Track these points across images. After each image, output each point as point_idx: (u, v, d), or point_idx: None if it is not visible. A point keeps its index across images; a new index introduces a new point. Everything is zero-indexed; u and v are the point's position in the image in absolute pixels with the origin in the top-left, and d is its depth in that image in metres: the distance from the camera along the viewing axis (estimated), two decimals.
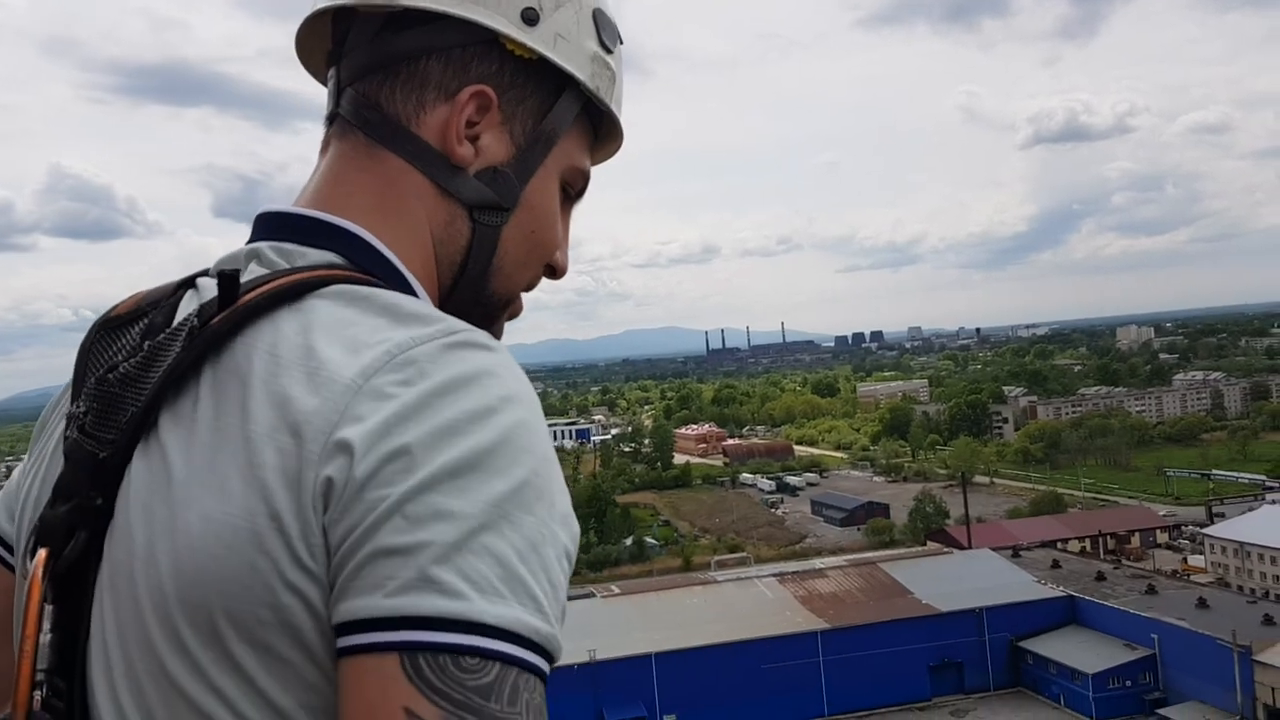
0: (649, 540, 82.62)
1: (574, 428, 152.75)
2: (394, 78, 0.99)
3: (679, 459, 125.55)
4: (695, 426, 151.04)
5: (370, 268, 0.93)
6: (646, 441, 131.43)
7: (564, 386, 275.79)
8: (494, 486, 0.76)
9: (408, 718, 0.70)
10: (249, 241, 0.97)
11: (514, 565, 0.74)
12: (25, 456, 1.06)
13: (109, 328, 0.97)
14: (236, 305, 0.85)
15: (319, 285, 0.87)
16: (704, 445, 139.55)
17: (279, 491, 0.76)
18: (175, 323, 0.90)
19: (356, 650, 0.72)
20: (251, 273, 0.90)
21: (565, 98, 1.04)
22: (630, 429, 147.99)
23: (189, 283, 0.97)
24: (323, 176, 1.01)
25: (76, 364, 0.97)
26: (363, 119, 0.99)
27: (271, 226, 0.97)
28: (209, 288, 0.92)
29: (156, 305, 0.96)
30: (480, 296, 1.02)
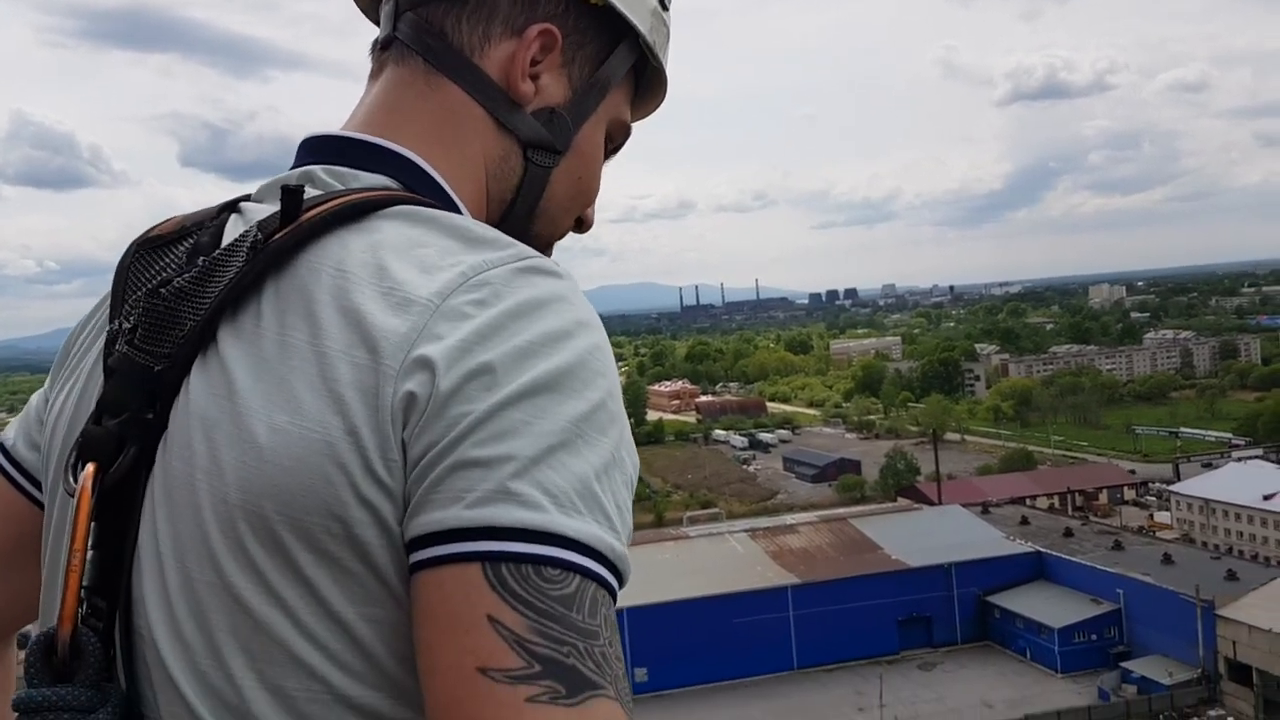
0: None
1: None
2: (461, 6, 0.98)
3: (652, 415, 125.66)
4: (668, 383, 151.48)
5: (423, 194, 0.92)
6: None
7: None
8: (572, 407, 0.77)
9: (491, 625, 0.70)
10: (293, 167, 0.97)
11: (590, 483, 0.75)
12: (46, 384, 1.04)
13: (149, 247, 0.96)
14: (300, 222, 0.84)
15: (382, 205, 0.87)
16: (677, 402, 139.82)
17: (355, 405, 0.76)
18: (226, 242, 0.88)
19: (437, 561, 0.73)
20: (307, 194, 0.88)
21: (622, 48, 1.04)
22: None
23: (232, 206, 0.97)
24: (375, 101, 1.00)
25: (115, 282, 0.95)
26: (424, 45, 0.98)
27: (320, 150, 0.97)
28: (254, 211, 0.92)
29: (201, 226, 0.95)
30: (523, 237, 0.97)
